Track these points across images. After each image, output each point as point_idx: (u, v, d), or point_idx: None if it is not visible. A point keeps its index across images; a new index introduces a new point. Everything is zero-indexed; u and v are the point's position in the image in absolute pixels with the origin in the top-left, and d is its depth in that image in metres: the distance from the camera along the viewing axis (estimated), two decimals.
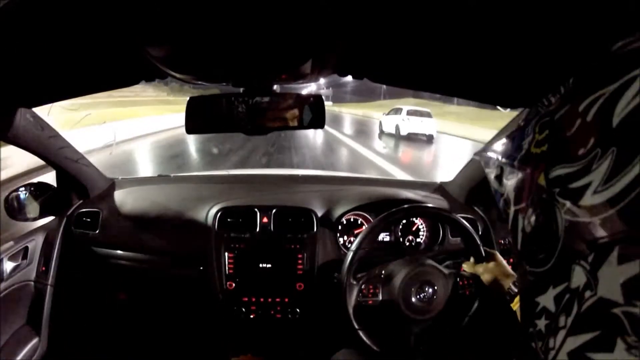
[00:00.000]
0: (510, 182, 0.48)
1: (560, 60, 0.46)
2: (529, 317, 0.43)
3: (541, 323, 0.40)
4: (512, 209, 0.47)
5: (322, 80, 0.78)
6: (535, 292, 0.42)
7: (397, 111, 11.15)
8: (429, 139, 10.19)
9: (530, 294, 0.43)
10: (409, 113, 10.70)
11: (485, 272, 0.96)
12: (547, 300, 0.40)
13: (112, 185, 1.44)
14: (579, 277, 0.35)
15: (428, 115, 10.61)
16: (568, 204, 0.36)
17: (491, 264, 0.96)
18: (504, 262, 0.96)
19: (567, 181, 0.37)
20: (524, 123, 0.48)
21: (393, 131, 10.93)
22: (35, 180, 1.23)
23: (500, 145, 0.54)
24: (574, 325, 0.35)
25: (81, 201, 1.34)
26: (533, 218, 0.42)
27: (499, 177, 0.53)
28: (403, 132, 10.38)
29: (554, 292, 0.39)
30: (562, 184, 0.37)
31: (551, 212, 0.39)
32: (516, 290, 0.85)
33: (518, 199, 0.46)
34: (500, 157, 0.53)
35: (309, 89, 0.83)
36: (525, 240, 0.44)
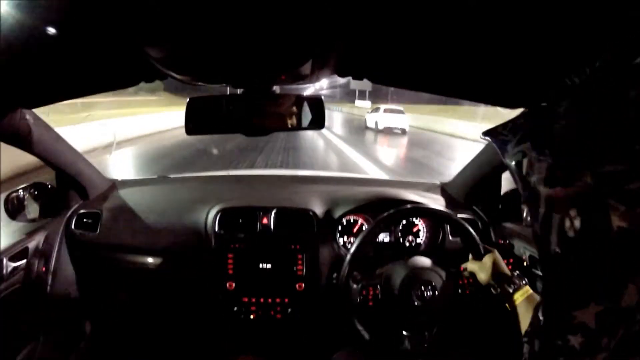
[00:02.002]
0: (540, 172, 0.42)
1: (565, 60, 0.45)
2: (559, 331, 0.38)
3: (575, 340, 0.36)
4: (544, 205, 0.41)
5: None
6: (571, 304, 0.37)
7: (377, 110, 14.04)
8: (403, 132, 12.76)
9: (563, 306, 0.38)
10: (385, 111, 13.51)
11: (480, 270, 0.95)
12: (587, 316, 0.35)
13: (112, 186, 1.44)
14: (630, 295, 0.31)
15: (401, 112, 13.26)
16: (622, 208, 0.32)
17: (488, 263, 0.95)
18: (502, 261, 0.95)
19: (620, 181, 0.32)
20: (548, 104, 0.42)
21: (374, 126, 13.63)
22: (35, 181, 1.23)
23: (518, 126, 0.48)
24: (618, 348, 0.32)
25: (81, 202, 1.34)
26: (577, 222, 0.36)
27: (520, 165, 0.46)
28: (380, 127, 13.05)
29: (596, 309, 0.34)
30: (614, 183, 0.33)
31: (600, 216, 0.34)
32: (511, 290, 0.85)
33: (552, 195, 0.40)
34: (521, 141, 0.46)
35: (310, 89, 0.82)
36: (563, 244, 0.38)
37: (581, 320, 0.35)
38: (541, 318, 0.44)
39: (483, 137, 0.57)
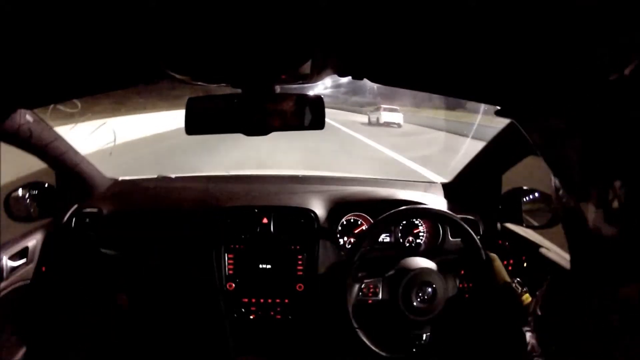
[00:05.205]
0: (574, 145, 0.39)
1: (565, 63, 0.44)
2: (594, 310, 0.37)
3: (615, 318, 0.35)
4: (581, 178, 0.39)
5: None
6: (613, 281, 0.36)
7: (378, 109, 16.82)
8: (398, 125, 15.82)
9: (601, 283, 0.37)
10: (384, 110, 16.30)
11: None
12: (630, 292, 0.34)
13: (112, 185, 1.44)
14: None
15: (397, 111, 16.27)
16: None
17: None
18: (503, 268, 0.96)
19: None
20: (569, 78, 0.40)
21: (375, 121, 16.59)
22: (35, 180, 1.23)
23: (543, 101, 0.45)
24: None
25: (81, 201, 1.34)
26: (623, 192, 0.34)
27: (549, 138, 0.43)
28: (381, 121, 16.08)
29: None
30: None
31: None
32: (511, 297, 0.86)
33: (592, 167, 0.37)
34: (549, 116, 0.44)
35: (312, 90, 0.82)
36: (605, 216, 0.36)
37: (624, 297, 0.34)
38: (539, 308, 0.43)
39: (498, 115, 0.55)
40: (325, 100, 0.77)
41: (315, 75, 0.66)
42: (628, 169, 0.34)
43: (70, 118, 1.09)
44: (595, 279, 0.39)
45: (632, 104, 0.34)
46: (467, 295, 1.07)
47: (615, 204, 0.35)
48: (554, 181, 0.44)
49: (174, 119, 10.80)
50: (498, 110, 0.58)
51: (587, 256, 0.41)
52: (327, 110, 0.77)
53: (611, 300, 0.35)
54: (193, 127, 0.76)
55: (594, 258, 0.39)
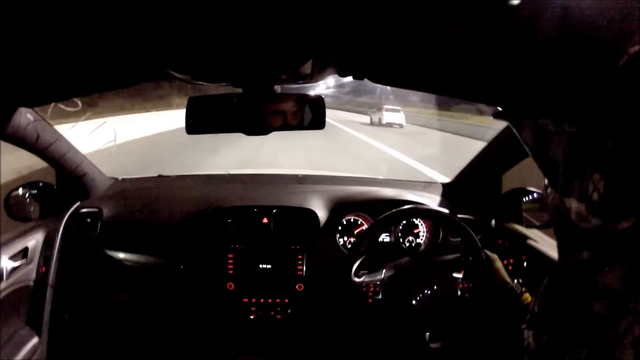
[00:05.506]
0: (559, 143, 0.42)
1: (561, 67, 0.45)
2: (581, 298, 0.38)
3: (600, 305, 0.36)
4: (564, 174, 0.41)
5: None
6: (595, 269, 0.37)
7: (380, 109, 17.38)
8: (400, 126, 16.33)
9: (586, 272, 0.38)
10: (386, 110, 16.80)
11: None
12: (612, 279, 0.35)
13: (112, 185, 1.44)
14: None
15: (399, 111, 16.69)
16: None
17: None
18: (503, 269, 0.96)
19: None
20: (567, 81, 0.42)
21: (378, 122, 17.13)
22: (35, 180, 1.23)
23: (534, 103, 0.48)
24: None
25: (82, 201, 1.34)
26: (602, 185, 0.35)
27: (539, 139, 0.45)
28: (383, 122, 16.58)
29: (623, 270, 0.34)
30: None
31: (626, 176, 0.33)
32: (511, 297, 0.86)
33: (573, 163, 0.39)
34: (538, 116, 0.46)
35: (313, 90, 0.82)
36: (585, 208, 0.37)
37: (606, 284, 0.35)
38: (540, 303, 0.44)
39: (495, 118, 0.57)
40: (327, 100, 0.76)
41: (315, 75, 0.66)
42: (612, 168, 0.35)
43: (67, 117, 1.08)
44: (582, 272, 0.40)
45: (628, 105, 0.35)
46: (467, 295, 1.07)
47: (595, 195, 0.36)
48: (544, 180, 0.47)
49: (159, 121, 10.16)
50: (495, 112, 0.59)
51: (573, 251, 0.42)
52: (329, 111, 0.77)
53: (595, 287, 0.36)
54: (193, 126, 0.76)
55: (580, 252, 0.40)
